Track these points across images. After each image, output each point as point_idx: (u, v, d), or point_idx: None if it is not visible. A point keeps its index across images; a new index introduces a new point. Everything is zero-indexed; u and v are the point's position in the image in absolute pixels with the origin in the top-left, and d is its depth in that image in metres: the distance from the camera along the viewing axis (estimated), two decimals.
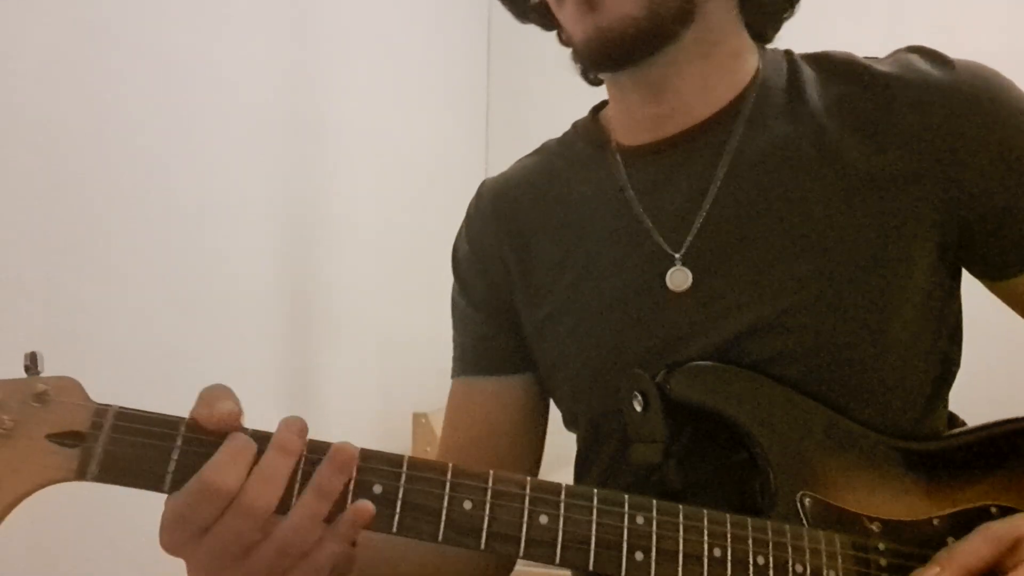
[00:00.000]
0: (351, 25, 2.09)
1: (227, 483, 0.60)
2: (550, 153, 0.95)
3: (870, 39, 0.90)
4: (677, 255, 0.81)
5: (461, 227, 0.98)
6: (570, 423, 0.91)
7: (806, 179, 0.79)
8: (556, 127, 0.97)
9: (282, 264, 1.85)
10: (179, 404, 0.65)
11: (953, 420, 0.87)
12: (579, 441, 0.91)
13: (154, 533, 0.63)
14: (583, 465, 0.90)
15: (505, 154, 1.00)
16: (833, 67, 0.83)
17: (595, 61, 0.80)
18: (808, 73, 0.84)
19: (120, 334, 1.38)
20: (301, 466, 0.63)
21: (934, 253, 0.79)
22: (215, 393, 0.63)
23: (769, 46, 0.89)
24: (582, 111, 0.97)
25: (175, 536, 0.62)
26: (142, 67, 1.43)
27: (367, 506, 0.62)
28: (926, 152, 0.78)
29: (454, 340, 0.98)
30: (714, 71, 0.83)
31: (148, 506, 0.65)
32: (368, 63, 2.17)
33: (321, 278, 1.99)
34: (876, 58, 0.83)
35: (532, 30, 0.91)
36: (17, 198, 1.21)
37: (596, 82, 0.92)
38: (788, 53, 0.87)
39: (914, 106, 0.78)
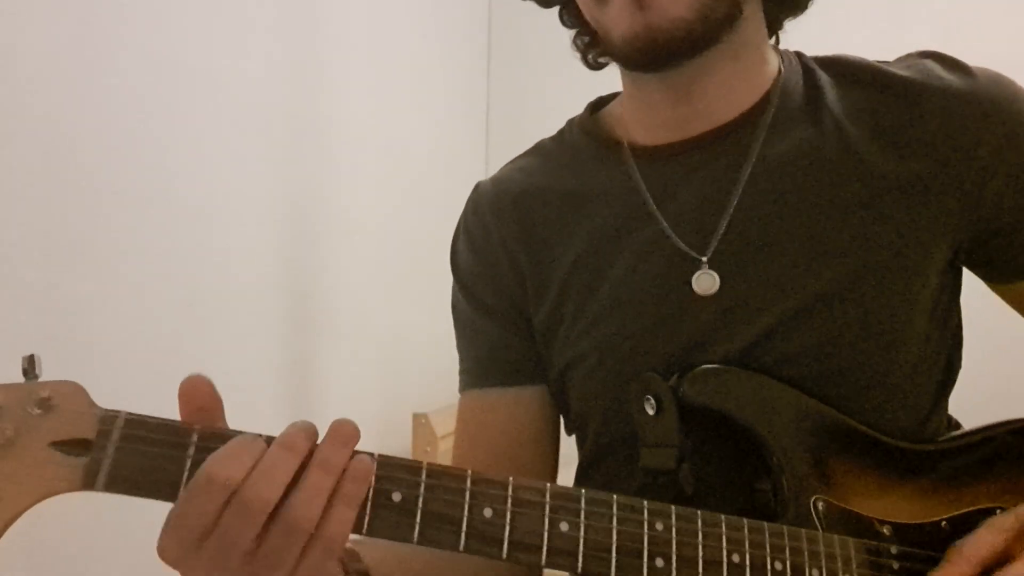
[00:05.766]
0: (352, 25, 2.07)
1: (229, 474, 0.57)
2: (549, 152, 0.92)
3: (873, 41, 0.89)
4: (704, 258, 0.80)
5: (457, 233, 0.94)
6: (576, 426, 0.89)
7: (828, 184, 0.79)
8: (556, 127, 0.95)
9: (282, 264, 1.83)
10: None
11: (949, 422, 0.87)
12: (585, 445, 0.88)
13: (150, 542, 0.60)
14: (589, 467, 0.88)
15: (505, 154, 0.98)
16: (850, 72, 0.83)
17: (635, 60, 0.78)
18: (824, 77, 0.83)
19: (119, 334, 1.36)
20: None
21: (947, 258, 0.80)
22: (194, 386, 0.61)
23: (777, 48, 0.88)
24: (582, 110, 0.94)
25: (173, 540, 0.58)
26: (142, 66, 1.41)
27: (364, 460, 0.60)
28: (948, 159, 0.78)
29: (460, 351, 0.93)
30: (740, 74, 0.82)
31: (145, 515, 0.63)
32: (368, 63, 2.15)
33: (321, 278, 1.97)
34: (888, 62, 0.83)
35: (532, 30, 0.89)
36: (17, 198, 1.19)
37: (596, 66, 0.90)
38: (800, 56, 0.87)
39: (938, 113, 0.78)
